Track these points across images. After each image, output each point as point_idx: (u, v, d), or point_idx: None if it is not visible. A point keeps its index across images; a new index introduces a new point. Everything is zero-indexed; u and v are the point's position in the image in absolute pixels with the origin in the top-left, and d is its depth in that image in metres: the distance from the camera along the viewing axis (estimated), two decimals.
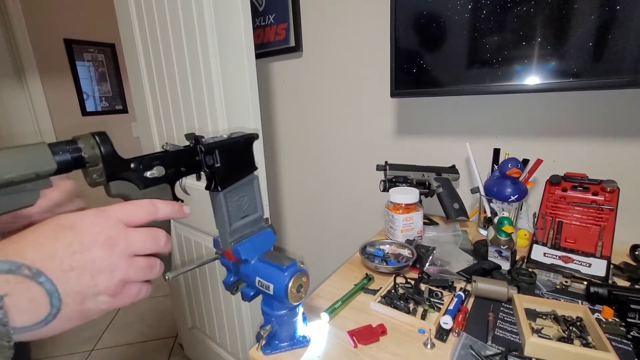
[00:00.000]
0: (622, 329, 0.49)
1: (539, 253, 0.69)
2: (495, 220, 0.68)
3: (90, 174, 0.32)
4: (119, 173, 0.33)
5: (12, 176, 0.27)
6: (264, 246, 0.49)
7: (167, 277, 0.40)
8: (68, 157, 0.30)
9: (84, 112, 2.24)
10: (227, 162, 0.43)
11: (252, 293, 0.49)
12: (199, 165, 0.41)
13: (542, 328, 0.50)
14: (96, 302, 0.28)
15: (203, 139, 0.41)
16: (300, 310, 0.50)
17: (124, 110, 2.45)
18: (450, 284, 0.63)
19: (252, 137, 0.46)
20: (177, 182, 0.42)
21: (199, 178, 0.43)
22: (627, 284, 0.61)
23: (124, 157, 0.33)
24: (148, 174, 0.35)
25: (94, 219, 0.28)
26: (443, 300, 0.58)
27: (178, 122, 1.15)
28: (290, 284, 0.44)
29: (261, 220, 0.50)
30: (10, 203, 0.28)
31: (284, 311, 0.48)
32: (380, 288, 0.63)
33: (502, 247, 0.66)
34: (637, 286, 0.60)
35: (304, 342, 0.51)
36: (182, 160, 0.39)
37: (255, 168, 0.47)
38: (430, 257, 0.72)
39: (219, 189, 0.43)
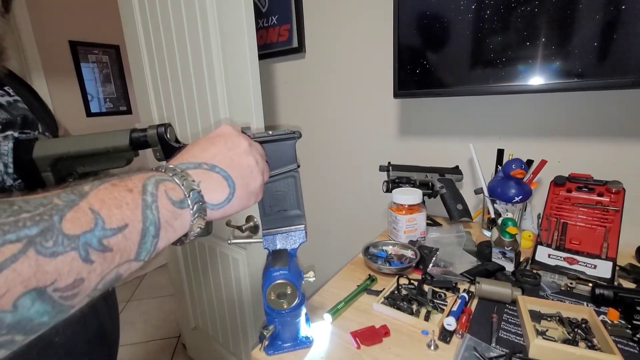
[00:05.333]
0: (628, 331, 0.48)
1: (543, 254, 0.68)
2: (499, 221, 0.68)
3: (154, 152, 0.45)
4: (173, 153, 0.44)
5: (108, 147, 0.44)
6: (289, 243, 0.50)
7: (229, 242, 0.54)
8: (138, 139, 0.44)
9: (89, 113, 2.25)
10: None
11: None
12: None
13: (547, 330, 0.49)
14: (254, 181, 0.37)
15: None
16: (303, 311, 0.50)
17: (128, 112, 2.47)
18: (454, 285, 0.62)
19: (291, 137, 0.46)
20: None
21: None
22: (633, 285, 0.61)
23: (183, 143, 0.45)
24: None
25: (229, 128, 0.39)
26: (446, 302, 0.58)
27: (182, 123, 1.16)
28: (269, 288, 0.44)
29: (299, 218, 0.50)
30: (107, 163, 0.45)
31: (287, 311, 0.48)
32: (383, 289, 0.63)
33: (506, 248, 0.66)
34: None
35: (306, 342, 0.51)
36: None
37: (297, 166, 0.48)
38: (434, 258, 0.71)
39: None
